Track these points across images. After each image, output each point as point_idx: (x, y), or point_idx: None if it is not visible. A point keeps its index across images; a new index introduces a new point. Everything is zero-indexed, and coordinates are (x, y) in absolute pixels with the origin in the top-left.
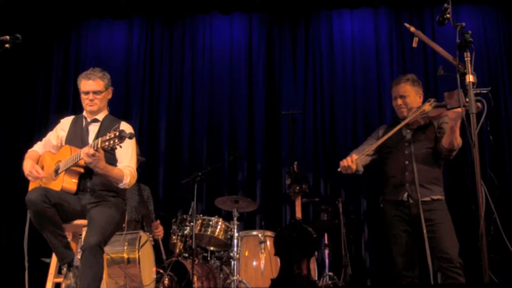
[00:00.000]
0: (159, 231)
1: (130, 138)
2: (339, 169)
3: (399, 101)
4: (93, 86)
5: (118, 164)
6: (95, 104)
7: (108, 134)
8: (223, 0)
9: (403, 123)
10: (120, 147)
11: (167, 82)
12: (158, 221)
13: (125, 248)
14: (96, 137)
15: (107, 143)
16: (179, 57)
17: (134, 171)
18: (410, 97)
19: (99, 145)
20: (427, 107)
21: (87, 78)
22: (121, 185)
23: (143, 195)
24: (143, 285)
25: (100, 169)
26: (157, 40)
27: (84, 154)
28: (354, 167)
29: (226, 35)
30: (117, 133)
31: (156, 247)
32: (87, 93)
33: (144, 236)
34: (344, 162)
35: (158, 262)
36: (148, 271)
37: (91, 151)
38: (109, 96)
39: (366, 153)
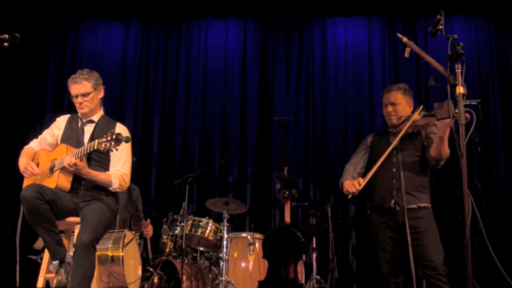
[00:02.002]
0: (148, 230)
1: (127, 141)
2: (349, 197)
3: (390, 108)
4: (80, 89)
5: (110, 167)
6: (85, 106)
7: (105, 136)
8: (219, 6)
9: (398, 137)
10: (116, 150)
11: (161, 84)
12: (149, 220)
13: (110, 246)
14: (91, 137)
15: (103, 145)
16: (174, 60)
17: (126, 176)
18: (400, 105)
19: (87, 151)
20: (416, 116)
21: (74, 81)
22: (110, 189)
23: (132, 195)
24: (127, 284)
25: (84, 175)
26: (153, 42)
27: (66, 163)
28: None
29: (221, 39)
30: (114, 136)
31: (144, 246)
32: (76, 96)
33: (129, 234)
34: (353, 188)
35: (147, 261)
36: (133, 269)
37: (72, 161)
38: (100, 95)
39: (367, 179)
